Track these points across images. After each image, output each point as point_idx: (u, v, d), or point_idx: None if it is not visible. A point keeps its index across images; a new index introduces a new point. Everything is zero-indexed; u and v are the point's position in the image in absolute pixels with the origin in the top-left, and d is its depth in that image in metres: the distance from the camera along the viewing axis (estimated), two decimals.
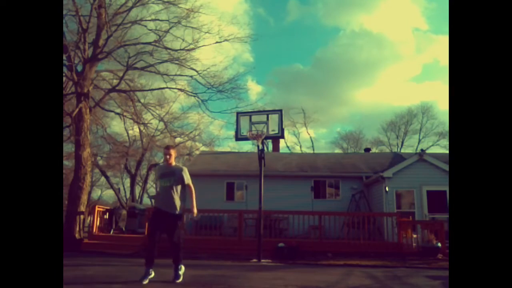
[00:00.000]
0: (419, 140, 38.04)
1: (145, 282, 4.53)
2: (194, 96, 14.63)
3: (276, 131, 9.61)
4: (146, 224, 10.46)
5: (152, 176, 37.04)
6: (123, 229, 13.05)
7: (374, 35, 64.02)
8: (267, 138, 9.78)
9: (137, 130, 24.86)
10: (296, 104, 68.81)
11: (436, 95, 60.79)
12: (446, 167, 12.67)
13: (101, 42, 12.96)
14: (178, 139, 24.82)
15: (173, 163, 4.91)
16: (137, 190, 32.36)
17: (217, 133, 58.06)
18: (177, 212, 4.73)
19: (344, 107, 62.72)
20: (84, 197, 12.04)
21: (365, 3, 63.13)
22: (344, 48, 64.82)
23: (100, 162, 27.60)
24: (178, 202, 4.73)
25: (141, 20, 13.68)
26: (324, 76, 62.83)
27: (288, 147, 37.98)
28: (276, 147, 24.91)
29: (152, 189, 39.45)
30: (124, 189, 34.02)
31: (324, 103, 60.96)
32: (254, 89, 65.02)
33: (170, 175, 4.78)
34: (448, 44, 1.80)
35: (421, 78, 67.69)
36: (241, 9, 57.62)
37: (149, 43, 13.50)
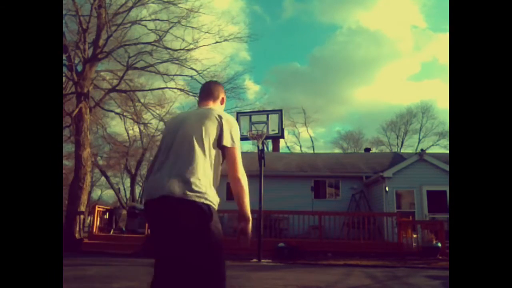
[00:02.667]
0: (419, 140, 38.06)
1: None
2: (194, 96, 14.65)
3: (276, 131, 9.63)
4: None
5: None
6: (123, 229, 13.04)
7: (371, 32, 63.68)
8: (267, 138, 9.78)
9: (137, 130, 24.89)
10: (295, 103, 68.49)
11: (435, 94, 60.64)
12: (446, 167, 12.66)
13: (101, 42, 12.96)
14: None
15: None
16: (137, 190, 32.38)
17: None
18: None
19: (343, 105, 62.53)
20: (84, 197, 12.04)
21: (361, 0, 62.88)
22: (342, 46, 64.50)
23: (100, 162, 27.63)
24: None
25: (141, 20, 13.71)
26: (322, 75, 62.53)
27: (288, 147, 37.99)
28: (276, 147, 24.90)
29: None
30: (124, 189, 34.05)
31: (322, 102, 60.71)
32: (252, 89, 65.05)
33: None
34: (447, 41, 1.80)
35: (420, 76, 67.50)
36: (236, 7, 57.27)
37: (149, 43, 13.53)
